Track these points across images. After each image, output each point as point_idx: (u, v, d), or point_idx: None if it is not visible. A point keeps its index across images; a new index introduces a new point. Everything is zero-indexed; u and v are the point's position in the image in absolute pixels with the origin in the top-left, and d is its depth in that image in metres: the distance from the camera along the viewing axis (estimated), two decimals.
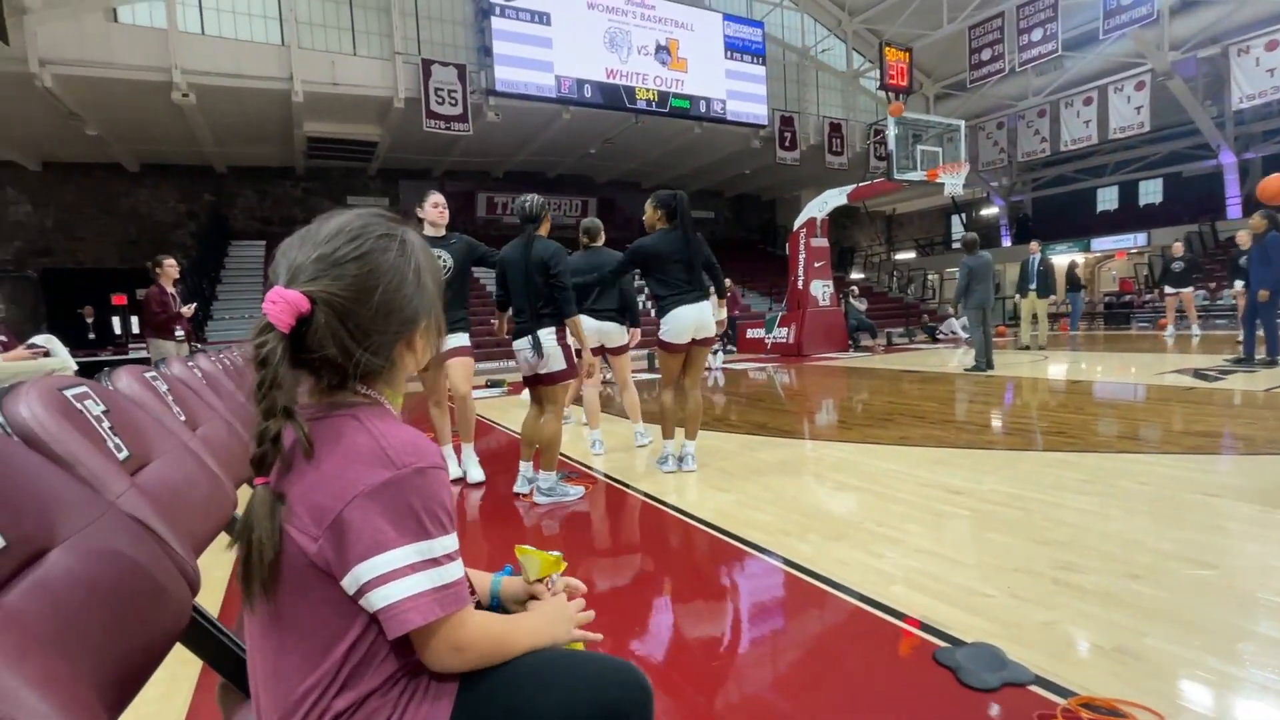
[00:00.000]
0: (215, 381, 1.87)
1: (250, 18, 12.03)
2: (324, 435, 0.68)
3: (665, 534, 2.73)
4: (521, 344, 3.17)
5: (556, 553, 0.95)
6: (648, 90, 14.46)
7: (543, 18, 13.29)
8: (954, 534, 2.47)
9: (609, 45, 14.09)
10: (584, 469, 3.89)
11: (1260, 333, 6.70)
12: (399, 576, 0.64)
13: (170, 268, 6.12)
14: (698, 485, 3.37)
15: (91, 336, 12.33)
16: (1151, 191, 20.51)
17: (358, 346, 0.68)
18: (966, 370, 7.65)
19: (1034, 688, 1.47)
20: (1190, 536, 2.31)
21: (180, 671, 1.71)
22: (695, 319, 3.57)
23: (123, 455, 0.92)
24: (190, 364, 1.83)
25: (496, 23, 12.85)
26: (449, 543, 0.68)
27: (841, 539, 2.50)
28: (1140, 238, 18.75)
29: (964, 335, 12.79)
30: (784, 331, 12.07)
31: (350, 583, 0.64)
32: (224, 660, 0.85)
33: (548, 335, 3.13)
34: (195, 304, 7.30)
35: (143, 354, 8.20)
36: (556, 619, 0.84)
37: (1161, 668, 1.53)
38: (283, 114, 12.37)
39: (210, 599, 2.09)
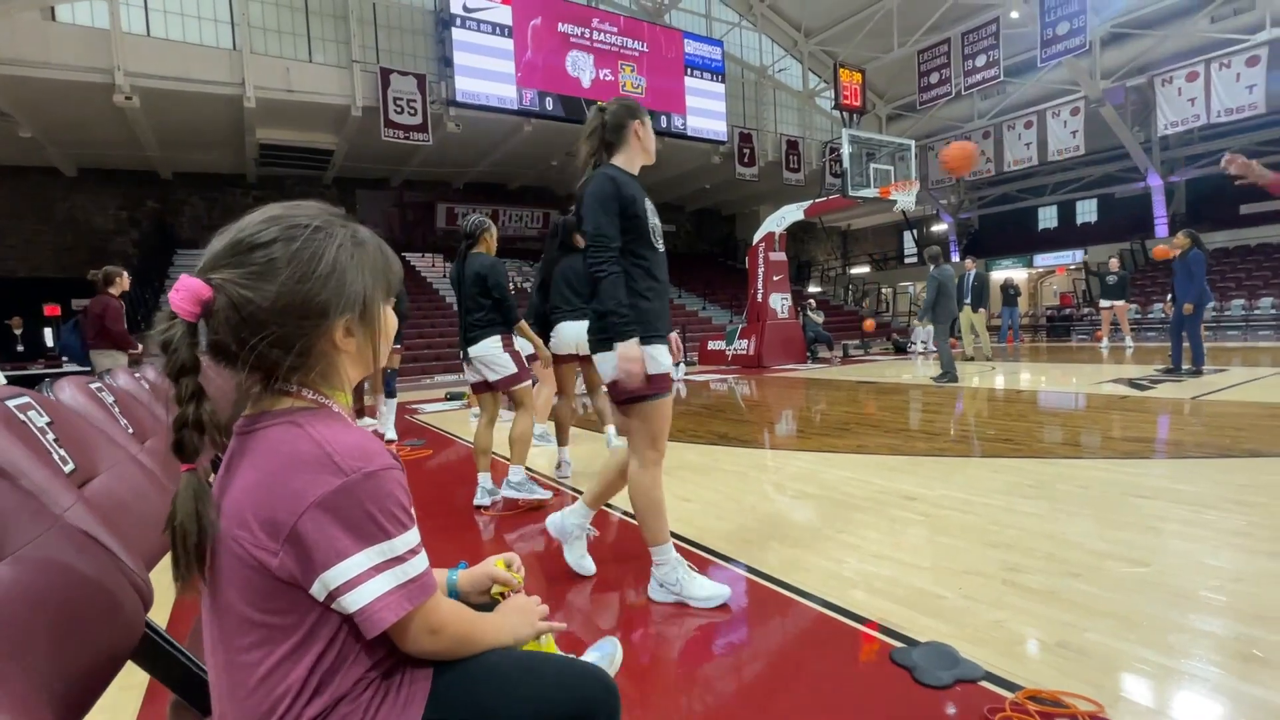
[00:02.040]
0: (163, 393, 1.81)
1: (200, 21, 11.71)
2: (265, 444, 0.67)
3: (626, 544, 2.73)
4: (466, 355, 3.36)
5: (506, 555, 1.00)
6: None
7: (503, 30, 13.31)
8: (909, 539, 2.55)
9: (570, 60, 14.18)
10: (547, 481, 3.86)
11: (1186, 344, 7.12)
12: (365, 580, 0.64)
13: (125, 280, 5.80)
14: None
15: (20, 349, 11.66)
16: (1087, 211, 21.66)
17: (254, 337, 0.66)
18: (933, 380, 7.74)
19: (985, 683, 1.53)
20: (1126, 537, 2.43)
21: (119, 699, 1.63)
22: (576, 334, 3.78)
23: (68, 468, 0.89)
24: (137, 375, 1.76)
25: (457, 34, 12.81)
26: (410, 538, 0.68)
27: (802, 546, 2.54)
28: (1078, 254, 19.79)
29: (926, 348, 13.21)
30: (744, 344, 12.24)
31: (319, 590, 0.64)
32: (178, 677, 0.83)
33: (493, 344, 3.24)
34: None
35: (74, 368, 7.78)
36: (518, 616, 0.86)
37: (1101, 661, 1.61)
38: (234, 120, 12.03)
39: (159, 615, 2.00)
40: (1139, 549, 2.31)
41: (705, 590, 2.06)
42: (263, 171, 15.02)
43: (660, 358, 2.05)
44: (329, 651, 0.67)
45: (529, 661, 0.80)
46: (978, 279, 10.76)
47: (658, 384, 2.04)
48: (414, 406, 7.94)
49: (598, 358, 2.09)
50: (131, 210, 14.64)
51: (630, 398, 2.03)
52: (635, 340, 1.95)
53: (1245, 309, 14.57)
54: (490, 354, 3.25)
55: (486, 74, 13.10)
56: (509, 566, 0.98)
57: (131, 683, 1.68)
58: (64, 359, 7.76)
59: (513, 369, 3.28)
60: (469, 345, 3.28)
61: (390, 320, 0.80)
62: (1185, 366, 7.09)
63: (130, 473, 1.06)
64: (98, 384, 1.31)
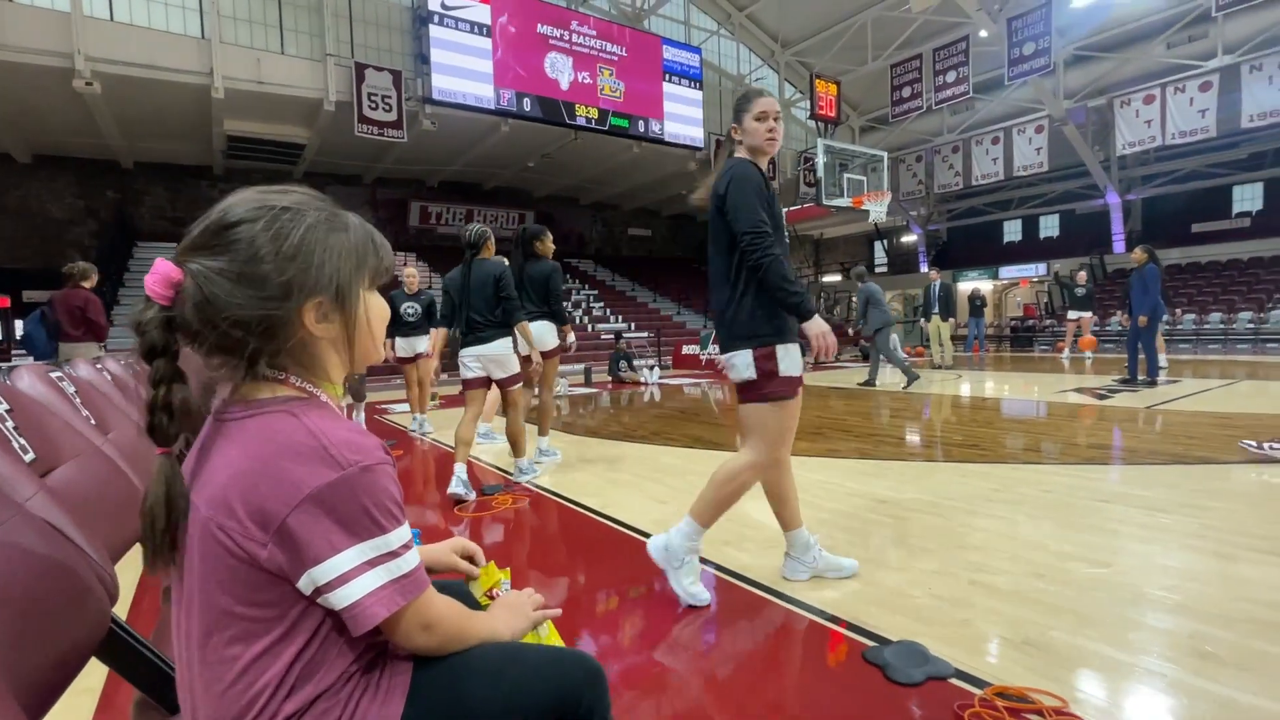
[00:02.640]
0: (126, 386, 1.74)
1: (167, 7, 11.38)
2: (257, 431, 0.66)
3: (605, 545, 2.72)
4: (467, 353, 3.59)
5: (492, 564, 1.00)
6: (588, 107, 14.58)
7: (482, 29, 13.21)
8: (880, 540, 2.59)
9: (549, 62, 14.14)
10: (520, 483, 3.83)
11: (1142, 355, 7.39)
12: (357, 575, 0.64)
13: (95, 278, 5.93)
14: (638, 497, 3.39)
15: None
16: (1050, 226, 22.35)
17: (218, 317, 0.65)
18: (903, 389, 7.98)
19: (954, 680, 1.56)
20: (1087, 539, 2.51)
21: (73, 703, 1.56)
22: (539, 332, 4.13)
23: (29, 457, 0.85)
24: (98, 366, 1.70)
25: (435, 31, 12.68)
26: (403, 533, 0.68)
27: (776, 547, 2.56)
28: (1041, 268, 20.40)
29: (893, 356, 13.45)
30: (718, 349, 12.31)
31: (306, 584, 0.63)
32: (144, 673, 0.80)
33: (506, 345, 3.56)
34: None
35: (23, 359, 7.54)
36: (512, 613, 0.86)
37: (1064, 657, 1.65)
38: (200, 110, 11.71)
39: (121, 609, 1.92)
40: (1099, 550, 2.38)
41: (688, 581, 2.08)
42: (230, 164, 14.63)
43: (794, 359, 2.03)
44: (310, 646, 0.66)
45: (511, 650, 0.79)
46: (944, 289, 11.02)
47: (790, 386, 2.02)
48: (383, 407, 7.81)
49: (729, 356, 2.05)
50: (89, 200, 14.13)
51: (761, 397, 2.00)
52: (817, 315, 1.94)
53: (1196, 323, 15.18)
54: (504, 354, 3.56)
55: (464, 72, 12.99)
56: (474, 559, 1.00)
57: (86, 686, 1.62)
58: (24, 352, 7.59)
59: (517, 369, 3.63)
60: (481, 344, 3.52)
61: (377, 309, 0.78)
62: (1140, 377, 7.35)
63: (94, 464, 1.03)
64: (58, 374, 1.26)
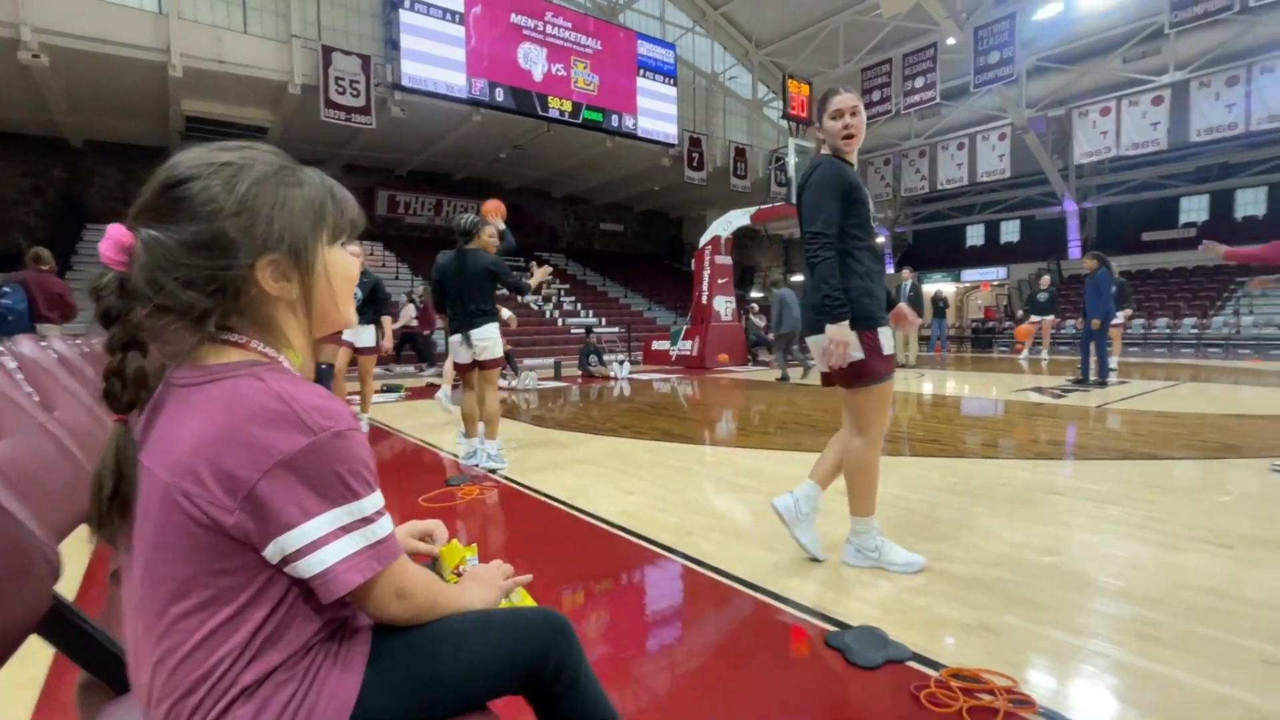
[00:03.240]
0: (74, 366, 1.67)
1: None
2: (223, 395, 0.63)
3: (575, 536, 2.71)
4: (456, 339, 3.82)
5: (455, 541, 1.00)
6: (561, 99, 14.47)
7: (454, 16, 12.99)
8: (843, 531, 2.63)
9: (522, 52, 13.99)
10: (488, 474, 3.79)
11: (1094, 357, 7.67)
12: (330, 540, 0.63)
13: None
14: (607, 489, 3.39)
15: None
16: (1011, 231, 23.03)
17: (166, 276, 0.62)
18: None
19: (912, 663, 1.60)
20: (1040, 529, 2.60)
21: (11, 695, 1.50)
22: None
23: None
24: (44, 345, 1.62)
25: (406, 16, 12.43)
26: (377, 499, 0.67)
27: (741, 537, 2.60)
28: (1001, 271, 21.02)
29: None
30: (688, 344, 12.38)
31: (274, 552, 0.61)
32: (88, 653, 0.76)
33: (494, 330, 3.81)
34: None
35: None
36: (482, 585, 0.85)
37: (1016, 641, 1.71)
38: (157, 88, 11.26)
39: (70, 594, 1.85)
40: (1051, 540, 2.47)
41: (903, 557, 2.19)
42: (190, 145, 14.09)
43: (886, 340, 2.14)
44: (273, 617, 0.64)
45: (475, 615, 0.78)
46: (913, 289, 11.25)
47: (888, 365, 2.14)
48: (348, 398, 7.65)
49: (813, 340, 2.20)
50: (36, 178, 13.48)
51: (863, 380, 2.12)
52: (845, 323, 2.04)
53: (1144, 328, 15.83)
54: (495, 338, 3.83)
55: (435, 59, 12.76)
56: (431, 538, 1.00)
57: (30, 677, 1.56)
58: None
59: (501, 351, 3.91)
60: (475, 328, 3.77)
61: (341, 266, 0.75)
62: (1092, 378, 7.63)
63: (38, 441, 0.98)
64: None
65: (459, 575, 0.94)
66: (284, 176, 0.70)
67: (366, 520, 0.65)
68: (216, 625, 0.61)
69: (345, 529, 0.63)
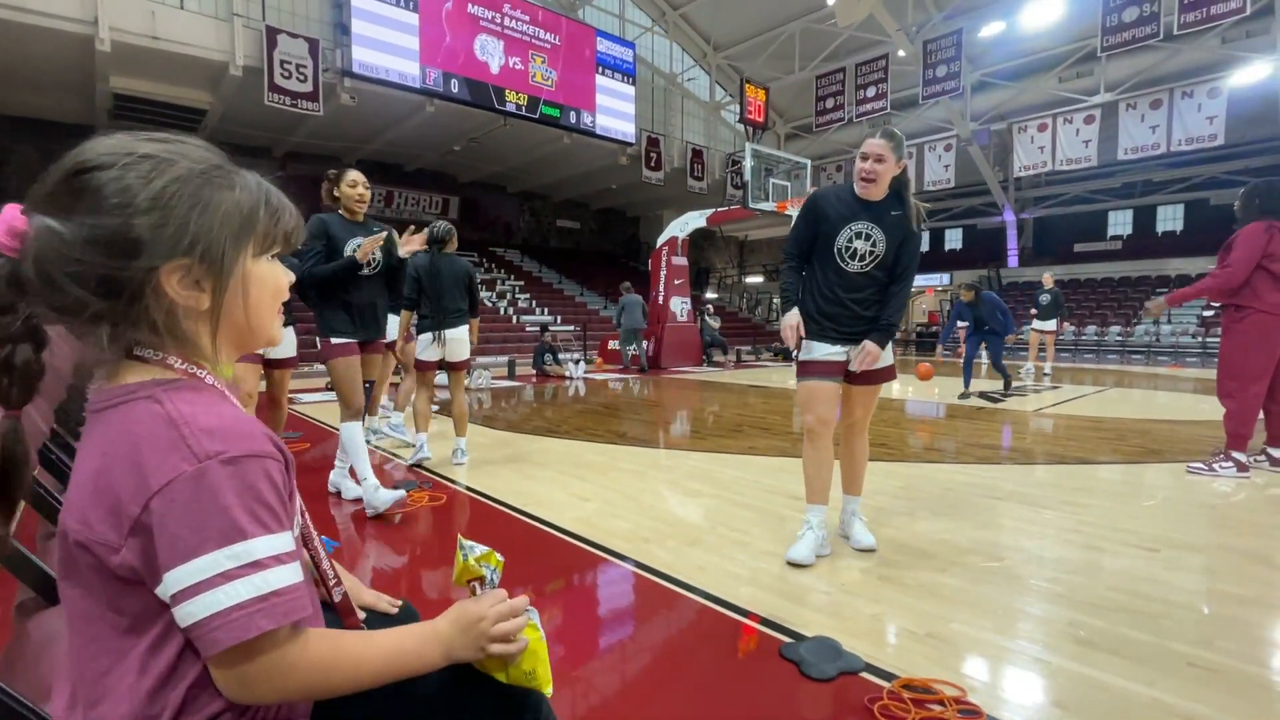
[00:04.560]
0: None
1: None
2: (116, 423, 0.58)
3: (527, 544, 2.66)
4: (427, 337, 3.96)
5: (480, 549, 0.76)
6: (518, 93, 14.24)
7: (409, 3, 12.62)
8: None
9: (479, 44, 13.70)
10: (439, 478, 3.69)
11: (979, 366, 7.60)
12: (210, 587, 0.54)
13: None
14: (561, 495, 3.34)
15: None
16: (954, 239, 23.93)
17: (57, 270, 0.56)
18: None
19: (865, 674, 1.62)
20: (982, 535, 2.69)
21: None
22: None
23: None
24: None
25: (357, 0, 11.99)
26: (275, 543, 0.57)
27: (697, 544, 2.60)
28: (945, 277, 21.85)
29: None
30: (644, 345, 12.40)
31: (163, 592, 0.55)
32: None
33: (464, 329, 4.00)
34: None
35: None
36: (459, 631, 0.68)
37: (962, 648, 1.76)
38: (82, 63, 10.53)
39: None
40: (993, 545, 2.56)
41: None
42: (119, 125, 13.24)
43: (816, 347, 2.47)
44: (185, 665, 0.58)
45: (459, 686, 0.70)
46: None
47: (804, 369, 2.50)
48: (291, 396, 7.33)
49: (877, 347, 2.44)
50: None
51: (798, 375, 2.51)
52: (790, 313, 2.47)
53: (1075, 335, 16.70)
54: (465, 339, 4.02)
55: (387, 47, 12.35)
56: (476, 564, 0.75)
57: None
58: None
59: (468, 355, 4.09)
60: (451, 328, 3.95)
61: (266, 281, 0.68)
62: (972, 389, 7.60)
63: None
64: None
65: (475, 592, 0.76)
66: (212, 177, 0.63)
67: (258, 565, 0.55)
68: (128, 671, 0.56)
69: (228, 575, 0.54)
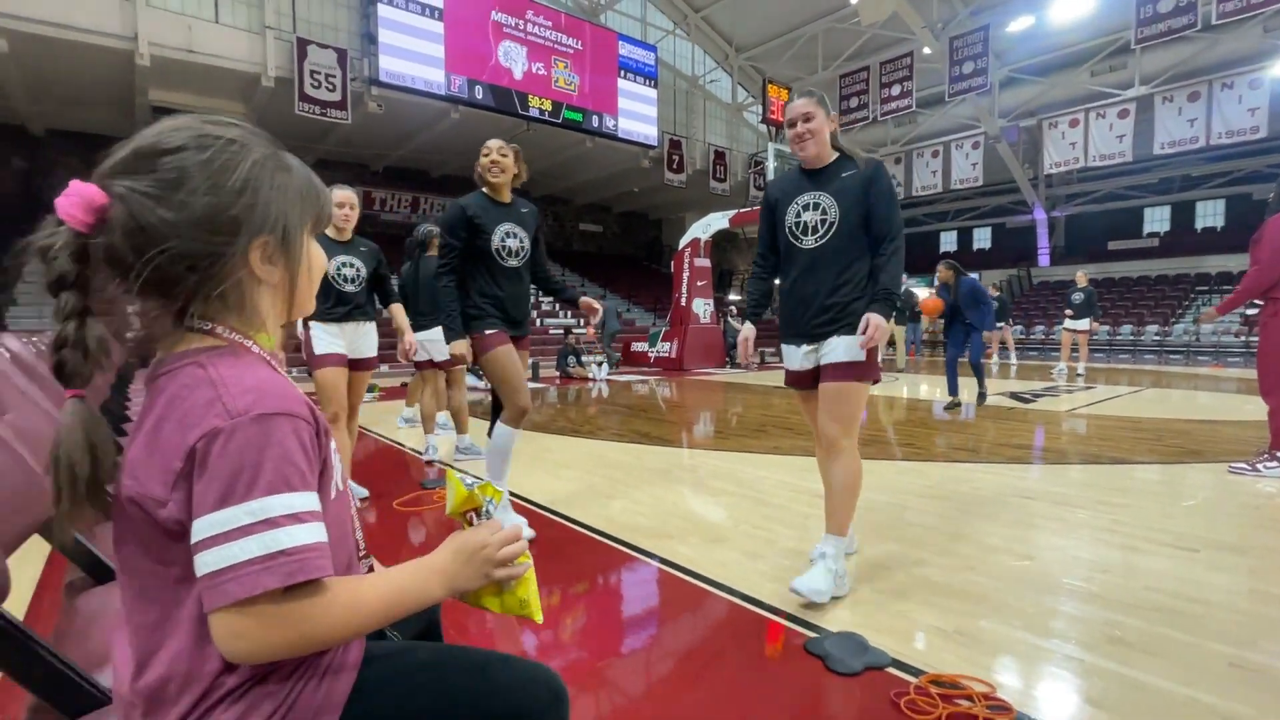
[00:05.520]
0: (29, 366, 1.60)
1: None
2: (168, 389, 0.61)
3: (554, 540, 2.68)
4: (420, 337, 4.04)
5: (478, 481, 0.78)
6: (541, 98, 14.38)
7: (433, 12, 12.83)
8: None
9: (503, 51, 13.87)
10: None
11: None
12: (224, 541, 0.55)
13: None
14: (585, 492, 3.36)
15: None
16: (983, 238, 23.48)
17: (154, 249, 0.58)
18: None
19: (891, 669, 1.60)
20: (1013, 533, 2.64)
21: None
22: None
23: None
24: None
25: (384, 10, 12.24)
26: (294, 501, 0.58)
27: (721, 541, 2.59)
28: (974, 277, 21.44)
29: None
30: (667, 346, 12.39)
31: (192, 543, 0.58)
32: (38, 674, 0.72)
33: (436, 330, 3.88)
34: None
35: None
36: (461, 560, 0.69)
37: (992, 645, 1.73)
38: (123, 78, 10.92)
39: (18, 609, 1.76)
40: (1023, 544, 2.51)
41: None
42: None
43: (787, 353, 2.23)
44: None
45: (476, 663, 0.74)
46: (906, 293, 11.42)
47: (790, 377, 2.26)
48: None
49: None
50: None
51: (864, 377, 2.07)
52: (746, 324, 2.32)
53: (1110, 334, 16.26)
54: (438, 339, 3.91)
55: (413, 55, 12.58)
56: (472, 496, 0.77)
57: None
58: None
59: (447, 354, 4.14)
60: (426, 331, 4.06)
61: (318, 258, 0.75)
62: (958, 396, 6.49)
63: None
64: None
65: (470, 523, 0.78)
66: (278, 161, 0.69)
67: (271, 523, 0.56)
68: (182, 623, 0.59)
69: (244, 530, 0.55)
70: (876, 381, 2.11)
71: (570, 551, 2.55)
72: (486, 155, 2.67)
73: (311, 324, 2.96)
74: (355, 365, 3.08)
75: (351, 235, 3.09)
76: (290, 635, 0.58)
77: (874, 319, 1.95)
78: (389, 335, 3.60)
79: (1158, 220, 19.76)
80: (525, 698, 0.72)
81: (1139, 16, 13.29)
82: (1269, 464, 3.60)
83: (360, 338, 3.11)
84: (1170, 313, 16.46)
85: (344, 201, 2.97)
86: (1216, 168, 17.62)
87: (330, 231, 2.99)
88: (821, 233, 2.06)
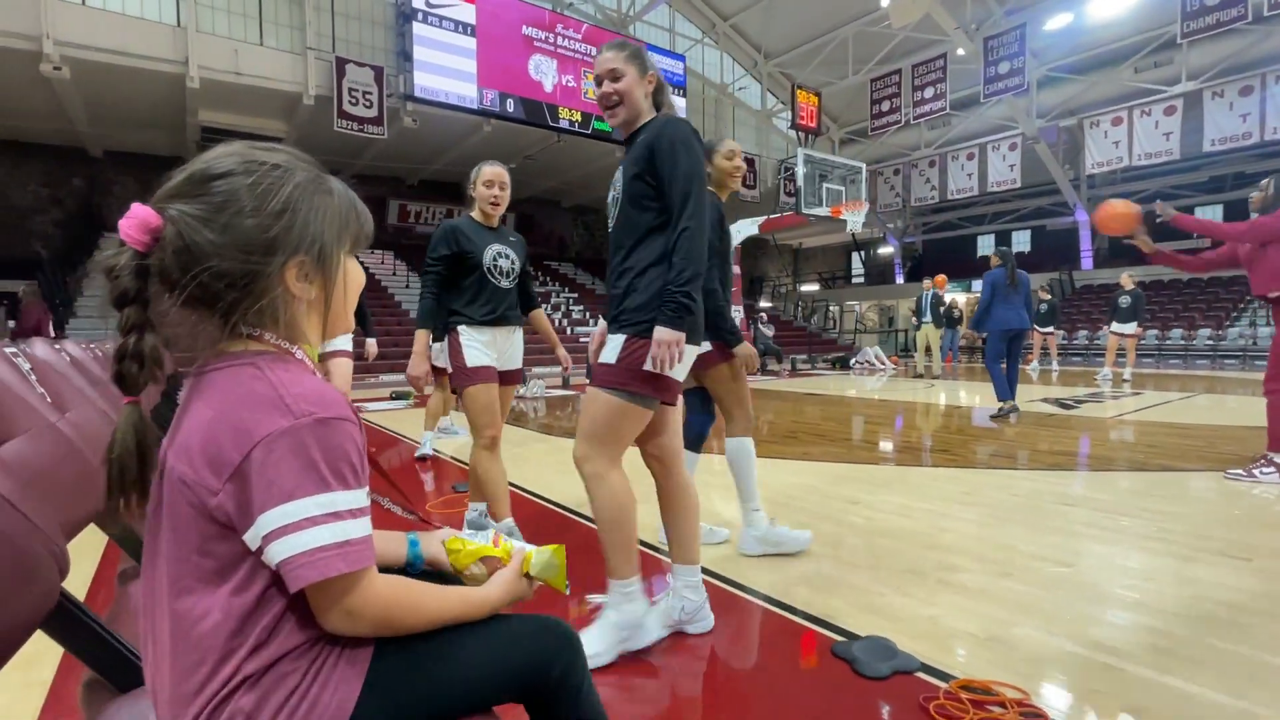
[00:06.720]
0: (86, 370, 1.69)
1: None
2: (220, 382, 0.66)
3: (583, 542, 2.70)
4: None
5: (483, 541, 0.90)
6: (571, 110, 14.58)
7: (466, 28, 13.15)
8: (851, 540, 2.62)
9: (533, 64, 14.12)
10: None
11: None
12: (299, 529, 0.61)
13: None
14: None
15: None
16: (1022, 241, 22.86)
17: (199, 265, 0.64)
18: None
19: (920, 674, 1.58)
20: (1051, 540, 2.56)
21: (23, 695, 1.51)
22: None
23: None
24: (57, 348, 1.64)
25: (418, 28, 12.58)
26: (355, 498, 0.65)
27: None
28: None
29: (878, 365, 13.91)
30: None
31: (252, 536, 0.62)
32: (93, 650, 0.77)
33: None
34: None
35: None
36: (500, 601, 0.81)
37: (1027, 652, 1.68)
38: (175, 100, 11.45)
39: (76, 591, 1.86)
40: (1063, 551, 2.44)
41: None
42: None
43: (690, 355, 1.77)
44: (268, 604, 0.64)
45: (482, 629, 0.78)
46: (936, 298, 11.20)
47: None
48: (357, 405, 7.69)
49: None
50: (55, 188, 13.70)
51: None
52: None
53: (1159, 339, 15.65)
54: (436, 347, 3.89)
55: (447, 71, 12.90)
56: (476, 551, 0.89)
57: (38, 679, 1.56)
58: None
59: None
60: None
61: (355, 276, 0.79)
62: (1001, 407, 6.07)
63: (49, 440, 0.99)
64: (13, 349, 1.21)
65: (471, 575, 0.87)
66: (320, 184, 0.74)
67: (337, 515, 0.63)
68: (215, 607, 0.62)
69: (314, 520, 0.61)
70: (646, 400, 1.67)
71: (596, 554, 2.57)
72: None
73: (460, 329, 2.51)
74: (503, 379, 2.61)
75: (498, 223, 2.64)
76: (366, 615, 0.66)
77: (656, 334, 1.55)
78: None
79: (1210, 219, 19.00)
80: (541, 644, 0.78)
81: (1185, 10, 12.87)
82: (1265, 470, 3.44)
83: (511, 346, 2.65)
84: (1225, 316, 15.76)
85: (494, 180, 2.52)
86: (1272, 164, 16.84)
87: (477, 215, 2.58)
88: (613, 213, 1.72)
